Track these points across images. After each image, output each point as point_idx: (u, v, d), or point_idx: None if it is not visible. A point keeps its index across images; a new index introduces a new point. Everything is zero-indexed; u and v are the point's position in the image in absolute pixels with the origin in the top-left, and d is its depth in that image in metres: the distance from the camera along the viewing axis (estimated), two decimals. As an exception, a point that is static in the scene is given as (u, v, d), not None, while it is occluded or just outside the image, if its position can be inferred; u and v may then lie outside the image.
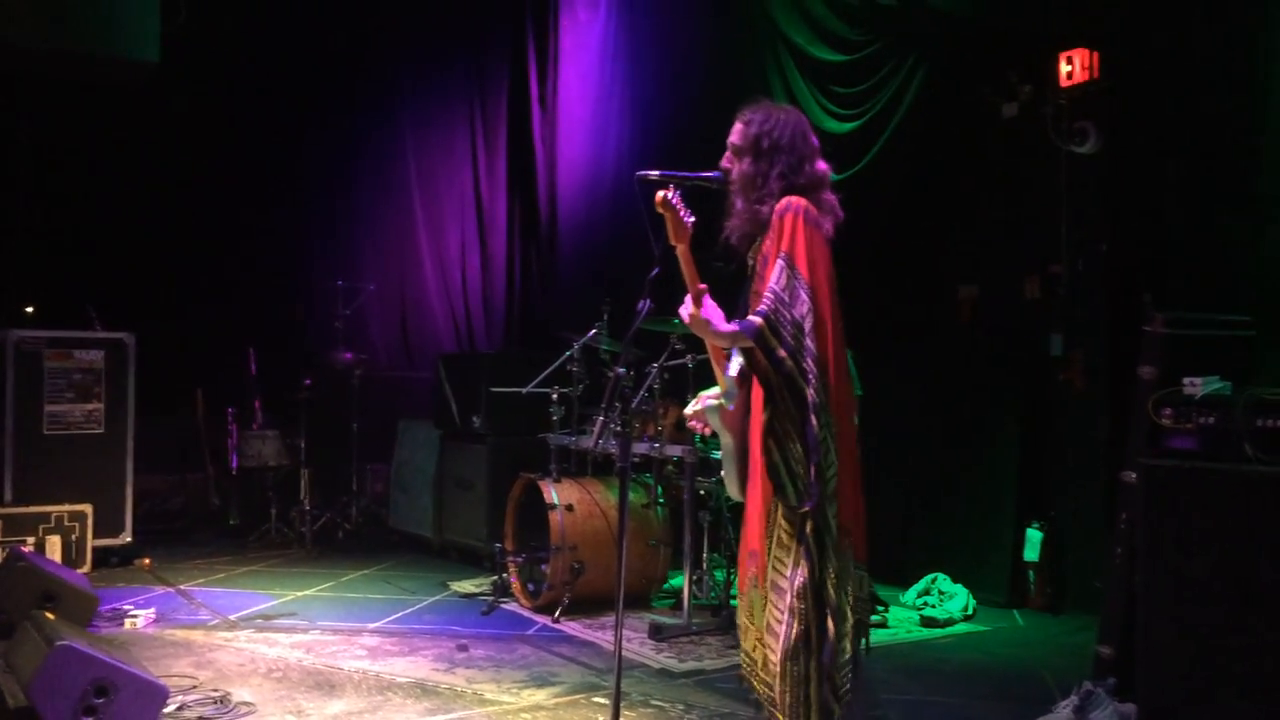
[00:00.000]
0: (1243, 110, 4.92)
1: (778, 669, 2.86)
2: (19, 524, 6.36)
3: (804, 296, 2.84)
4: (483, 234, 10.01)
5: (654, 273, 3.00)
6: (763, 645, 2.96)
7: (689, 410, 3.16)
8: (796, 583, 2.84)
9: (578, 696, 4.38)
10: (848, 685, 2.87)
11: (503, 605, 5.93)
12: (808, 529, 2.84)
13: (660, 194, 2.87)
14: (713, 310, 2.91)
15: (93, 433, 6.93)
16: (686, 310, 2.92)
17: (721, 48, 7.73)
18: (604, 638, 5.30)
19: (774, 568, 2.90)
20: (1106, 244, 5.79)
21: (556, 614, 5.63)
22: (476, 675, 4.64)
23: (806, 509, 2.83)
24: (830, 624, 2.83)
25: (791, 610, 2.84)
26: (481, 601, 6.01)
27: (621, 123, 8.71)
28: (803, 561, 2.84)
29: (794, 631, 2.84)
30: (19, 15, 6.42)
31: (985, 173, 6.38)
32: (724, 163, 3.07)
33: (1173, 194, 5.41)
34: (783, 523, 2.90)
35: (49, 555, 6.31)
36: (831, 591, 2.83)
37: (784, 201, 2.92)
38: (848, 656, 2.87)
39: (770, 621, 2.90)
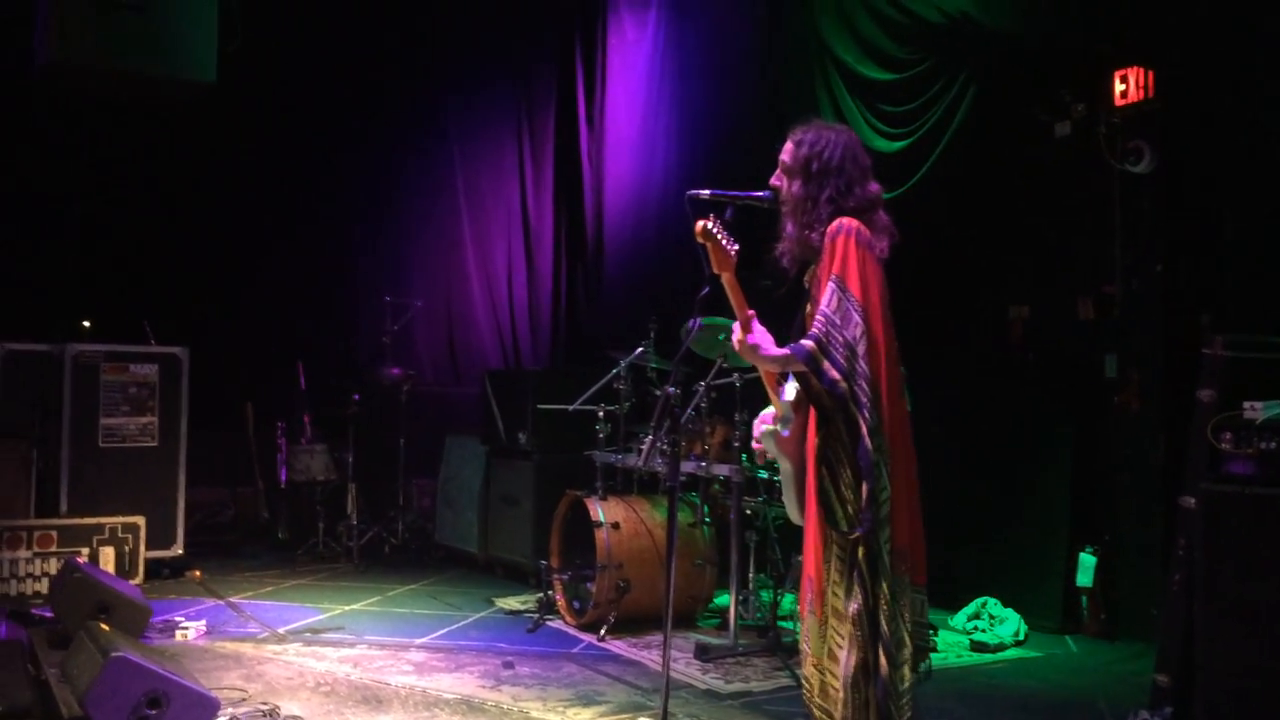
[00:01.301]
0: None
1: (840, 695, 2.84)
2: (74, 535, 6.46)
3: (856, 318, 2.82)
4: (529, 251, 10.06)
5: (703, 292, 3.00)
6: (819, 671, 2.94)
7: (756, 432, 3.15)
8: (852, 609, 2.82)
9: (624, 716, 4.36)
10: (909, 714, 2.83)
11: (548, 623, 5.93)
12: (860, 555, 2.81)
13: (700, 224, 2.84)
14: (762, 335, 2.90)
15: (147, 446, 7.04)
16: (735, 336, 2.91)
17: (770, 66, 7.72)
18: (649, 657, 5.27)
19: (833, 593, 2.88)
20: (1162, 264, 5.70)
21: (602, 632, 5.62)
22: (522, 693, 4.64)
23: (858, 535, 2.80)
24: (882, 654, 2.79)
25: (850, 638, 2.82)
26: (527, 618, 6.01)
27: (669, 141, 8.72)
28: (856, 588, 2.82)
29: (854, 659, 2.81)
30: (80, 37, 6.57)
31: (1037, 192, 6.31)
32: (774, 180, 3.06)
33: (1230, 213, 5.32)
34: (837, 549, 2.88)
35: (103, 566, 6.41)
36: (884, 620, 2.80)
37: (835, 224, 2.91)
38: (907, 685, 2.83)
39: (832, 648, 2.88)
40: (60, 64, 6.59)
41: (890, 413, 2.86)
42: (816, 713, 2.98)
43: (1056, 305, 6.24)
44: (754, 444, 3.17)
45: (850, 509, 2.81)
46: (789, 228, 3.01)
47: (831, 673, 2.88)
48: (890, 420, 2.86)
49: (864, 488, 2.78)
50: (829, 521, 2.85)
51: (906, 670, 2.83)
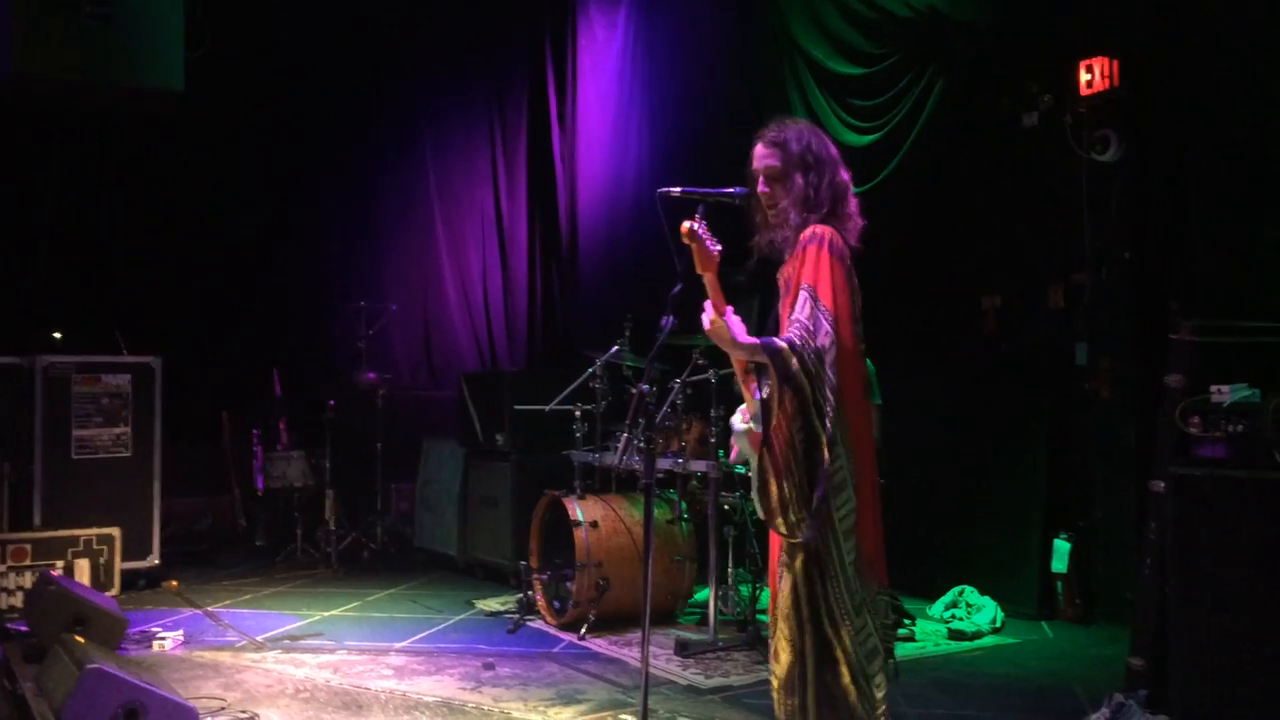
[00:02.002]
0: (1266, 114, 4.89)
1: (776, 697, 2.88)
2: (48, 548, 6.40)
3: (826, 326, 2.84)
4: (504, 252, 10.04)
5: (677, 289, 3.01)
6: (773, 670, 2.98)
7: (735, 425, 3.17)
8: (785, 610, 2.85)
9: (605, 714, 4.37)
10: None
11: (528, 623, 5.92)
12: (798, 562, 2.83)
13: (686, 224, 2.87)
14: (734, 321, 2.93)
15: (120, 456, 6.98)
16: (707, 317, 2.94)
17: (740, 63, 7.74)
18: (630, 654, 5.28)
19: (780, 594, 2.92)
20: (1130, 252, 5.76)
21: (582, 631, 5.62)
22: (503, 694, 4.64)
23: (799, 541, 2.82)
24: (845, 673, 2.79)
25: (784, 637, 2.85)
26: (507, 619, 6.01)
27: (641, 140, 8.74)
28: (789, 592, 2.84)
29: (787, 662, 2.85)
30: (49, 48, 6.51)
31: (1007, 183, 6.37)
32: (760, 188, 3.06)
33: (1196, 200, 5.38)
34: (783, 552, 2.91)
35: (78, 578, 6.35)
36: (846, 634, 2.80)
37: (809, 231, 2.94)
38: (883, 694, 2.85)
39: (776, 648, 2.92)
40: (26, 74, 6.54)
41: (855, 423, 2.88)
42: (776, 707, 3.00)
43: (1028, 294, 6.29)
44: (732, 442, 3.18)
45: (793, 515, 2.82)
46: (794, 218, 3.00)
47: (774, 672, 2.92)
48: (855, 430, 2.87)
49: (815, 495, 2.79)
50: (769, 523, 2.88)
51: (882, 678, 2.85)
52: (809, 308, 2.85)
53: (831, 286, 2.87)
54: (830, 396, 2.80)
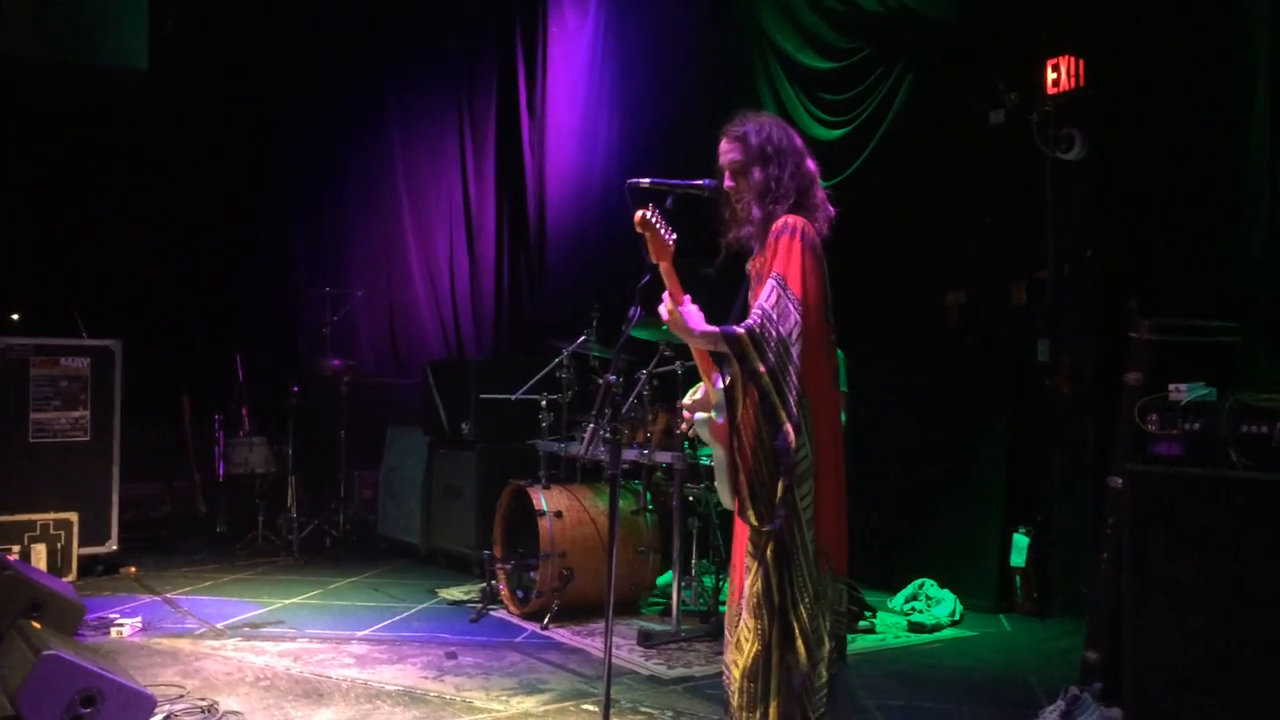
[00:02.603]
0: (1227, 117, 4.95)
1: (735, 685, 2.89)
2: (4, 532, 6.33)
3: (794, 313, 2.84)
4: (471, 240, 10.00)
5: (644, 280, 3.01)
6: (732, 657, 2.99)
7: (686, 400, 3.17)
8: (753, 601, 2.85)
9: (567, 704, 4.38)
10: (821, 710, 2.87)
11: (491, 613, 5.92)
12: (769, 550, 2.84)
13: (639, 213, 2.87)
14: (692, 311, 2.93)
15: (79, 440, 6.90)
16: (665, 308, 2.94)
17: (711, 55, 7.75)
18: (593, 644, 5.29)
19: (749, 584, 2.92)
20: (1092, 250, 5.82)
21: (545, 621, 5.63)
22: (465, 683, 4.63)
23: (769, 529, 2.83)
24: (801, 650, 2.82)
25: (752, 629, 2.86)
26: (470, 609, 6.00)
27: (610, 130, 8.72)
28: (759, 581, 2.85)
29: (753, 650, 2.85)
30: (10, 26, 6.40)
31: (972, 179, 6.41)
32: (727, 183, 3.07)
33: (1158, 200, 5.44)
34: (749, 540, 2.92)
35: (34, 564, 6.28)
36: (805, 616, 2.83)
37: (781, 221, 2.94)
38: (824, 681, 2.87)
39: (739, 637, 2.92)
40: (-14, 52, 6.43)
41: (819, 410, 2.89)
42: (730, 698, 3.01)
43: (991, 290, 6.35)
44: (681, 414, 3.18)
45: (762, 505, 2.83)
46: (755, 212, 3.01)
47: (735, 662, 2.92)
48: (819, 418, 2.88)
49: (780, 483, 2.81)
50: (741, 514, 2.89)
51: (823, 669, 2.87)
52: (776, 295, 2.86)
53: (802, 275, 2.87)
54: (795, 383, 2.81)
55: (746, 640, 2.88)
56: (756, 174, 3.01)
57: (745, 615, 2.90)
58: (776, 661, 2.84)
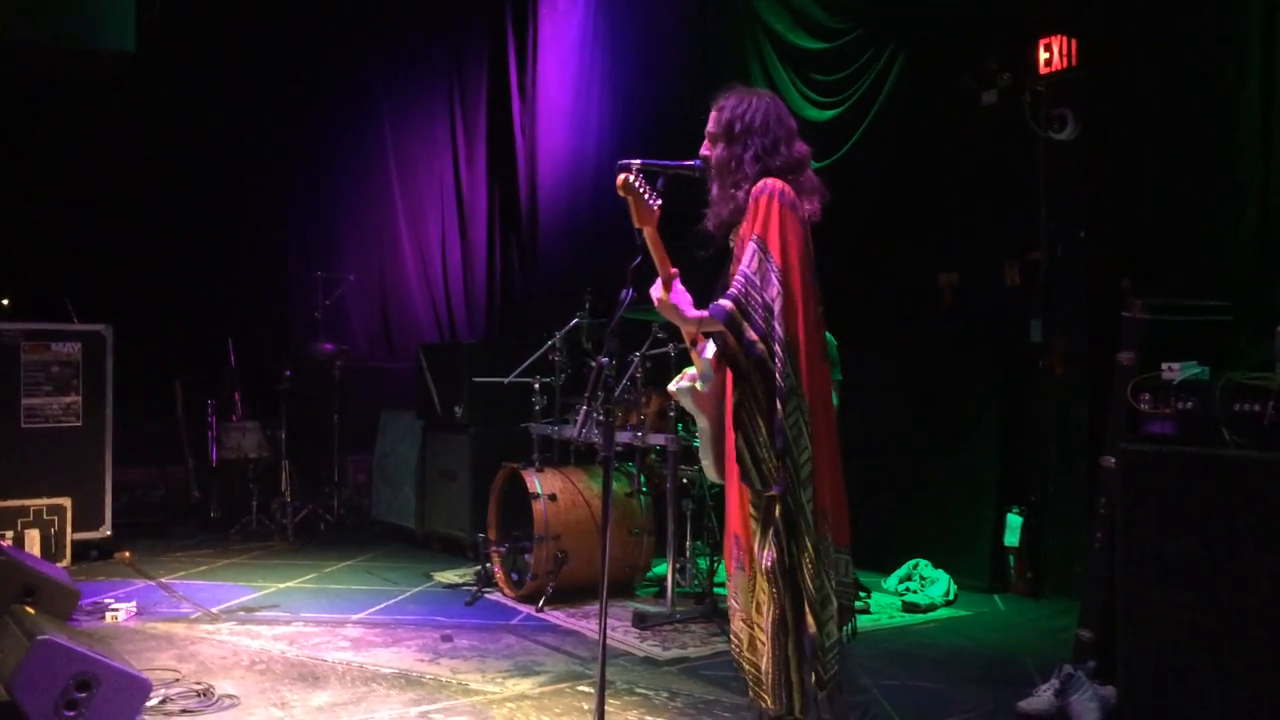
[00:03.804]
0: (1219, 96, 4.95)
1: (765, 648, 2.88)
2: (-3, 518, 6.32)
3: (775, 280, 2.84)
4: (463, 223, 9.97)
5: (636, 261, 3.00)
6: (748, 626, 2.98)
7: (672, 386, 3.16)
8: (766, 564, 2.86)
9: (562, 685, 4.39)
10: (834, 669, 2.88)
11: (486, 595, 5.93)
12: (776, 513, 2.85)
13: (621, 177, 2.85)
14: (681, 295, 2.93)
15: (71, 426, 6.88)
16: (656, 293, 2.93)
17: (702, 36, 7.71)
18: (588, 626, 5.30)
19: (757, 548, 2.92)
20: (1085, 230, 5.82)
21: (540, 603, 5.63)
22: (461, 665, 4.64)
23: (773, 493, 2.84)
24: (809, 611, 2.84)
25: (767, 593, 2.86)
26: (465, 592, 6.00)
27: (602, 111, 8.69)
28: (770, 545, 2.85)
29: (772, 613, 2.86)
30: (-3, 7, 6.36)
31: (965, 160, 6.40)
32: (703, 150, 3.08)
33: (1151, 180, 5.44)
34: (752, 507, 2.91)
35: (28, 549, 6.27)
36: (809, 577, 2.84)
37: (760, 184, 2.93)
38: (834, 640, 2.88)
39: (760, 601, 2.92)
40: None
41: (810, 373, 2.88)
42: (746, 667, 3.02)
43: (985, 271, 6.34)
44: (670, 387, 3.17)
45: (766, 467, 2.84)
46: (715, 190, 3.02)
47: (760, 626, 2.92)
48: (810, 381, 2.88)
49: (777, 446, 2.81)
50: (744, 479, 2.89)
51: (832, 627, 2.87)
52: (756, 260, 2.86)
53: (780, 238, 2.86)
54: (780, 350, 2.81)
55: (765, 604, 2.88)
56: (720, 150, 3.01)
57: (760, 580, 2.89)
58: (793, 623, 2.85)
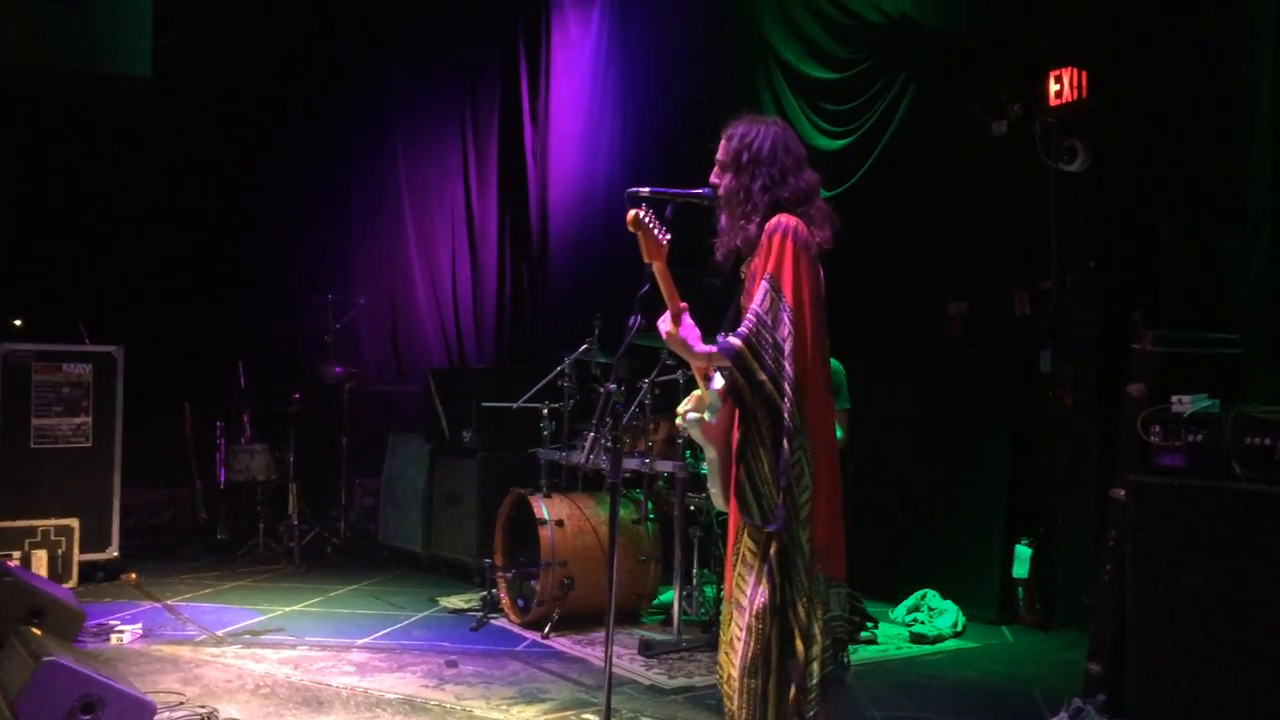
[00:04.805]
0: (1230, 128, 4.95)
1: (736, 684, 2.87)
2: (5, 538, 6.32)
3: (787, 320, 2.84)
4: (474, 248, 10.02)
5: (645, 288, 3.01)
6: (727, 659, 2.97)
7: (679, 420, 3.16)
8: (757, 602, 2.84)
9: (567, 713, 4.36)
10: (814, 711, 2.86)
11: (492, 621, 5.90)
12: (772, 550, 2.84)
13: (631, 213, 2.86)
14: (690, 330, 2.93)
15: (80, 446, 6.90)
16: (664, 327, 2.94)
17: (713, 65, 7.75)
18: (594, 654, 5.28)
19: (737, 584, 2.92)
20: (1095, 261, 5.82)
21: (546, 630, 5.61)
22: (465, 692, 4.62)
23: (771, 530, 2.83)
24: (800, 647, 2.82)
25: (749, 629, 2.84)
26: (471, 617, 5.98)
27: (613, 138, 8.74)
28: (764, 582, 2.84)
29: (751, 650, 2.84)
30: (11, 31, 6.41)
31: (975, 190, 6.41)
32: (713, 178, 3.09)
33: (1161, 212, 5.44)
34: (748, 540, 2.90)
35: (35, 570, 6.27)
36: (802, 614, 2.82)
37: (774, 221, 2.93)
38: (815, 680, 2.85)
39: (731, 637, 2.91)
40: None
41: (814, 413, 2.88)
42: (723, 698, 3.00)
43: (994, 301, 6.34)
44: (677, 421, 3.17)
45: (766, 503, 2.83)
46: (724, 221, 3.03)
47: (731, 661, 2.91)
48: (814, 420, 2.88)
49: (780, 485, 2.81)
50: (743, 512, 2.88)
51: (816, 667, 2.85)
52: (769, 300, 2.86)
53: (794, 278, 2.86)
54: (789, 390, 2.81)
55: (739, 639, 2.87)
56: (728, 180, 3.02)
57: (739, 615, 2.89)
58: (776, 662, 2.83)
